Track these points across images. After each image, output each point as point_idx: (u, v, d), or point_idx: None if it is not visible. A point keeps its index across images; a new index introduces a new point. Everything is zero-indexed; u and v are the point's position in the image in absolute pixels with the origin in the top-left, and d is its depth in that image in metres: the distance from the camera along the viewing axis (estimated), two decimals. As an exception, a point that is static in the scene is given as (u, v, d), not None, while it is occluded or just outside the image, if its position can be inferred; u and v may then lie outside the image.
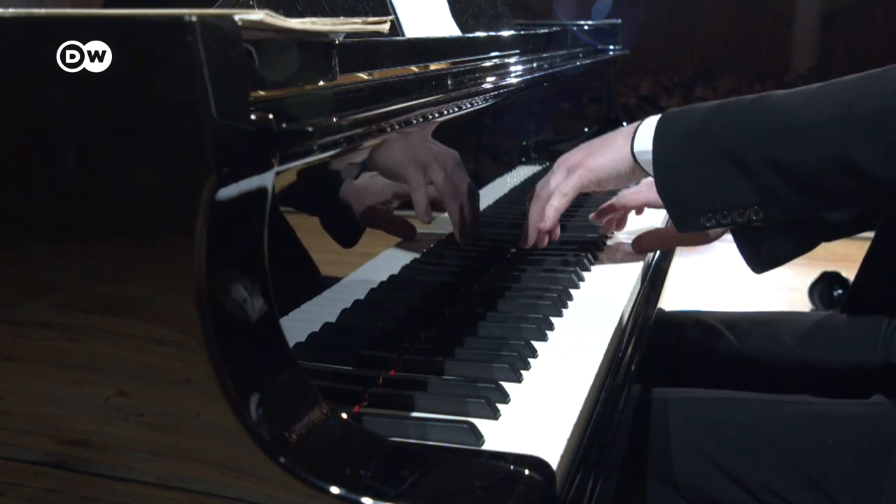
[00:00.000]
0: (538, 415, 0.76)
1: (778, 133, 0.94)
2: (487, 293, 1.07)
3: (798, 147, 0.93)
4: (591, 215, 1.35)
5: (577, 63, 1.69)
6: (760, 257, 1.07)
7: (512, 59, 1.38)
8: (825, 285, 3.26)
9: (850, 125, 0.90)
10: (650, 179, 1.28)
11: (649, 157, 1.03)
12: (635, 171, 1.09)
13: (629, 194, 1.30)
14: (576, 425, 0.75)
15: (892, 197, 0.97)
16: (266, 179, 0.62)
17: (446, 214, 1.13)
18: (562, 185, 1.12)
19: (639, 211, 1.38)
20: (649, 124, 1.05)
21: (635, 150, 1.07)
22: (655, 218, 1.47)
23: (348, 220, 0.90)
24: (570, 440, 0.72)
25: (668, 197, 1.03)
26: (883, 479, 0.96)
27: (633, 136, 1.07)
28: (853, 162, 0.89)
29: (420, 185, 0.98)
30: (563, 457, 0.70)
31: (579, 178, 1.11)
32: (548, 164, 1.63)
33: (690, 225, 1.01)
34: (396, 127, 0.81)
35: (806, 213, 1.03)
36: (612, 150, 1.10)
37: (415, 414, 0.76)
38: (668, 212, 1.04)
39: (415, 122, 0.85)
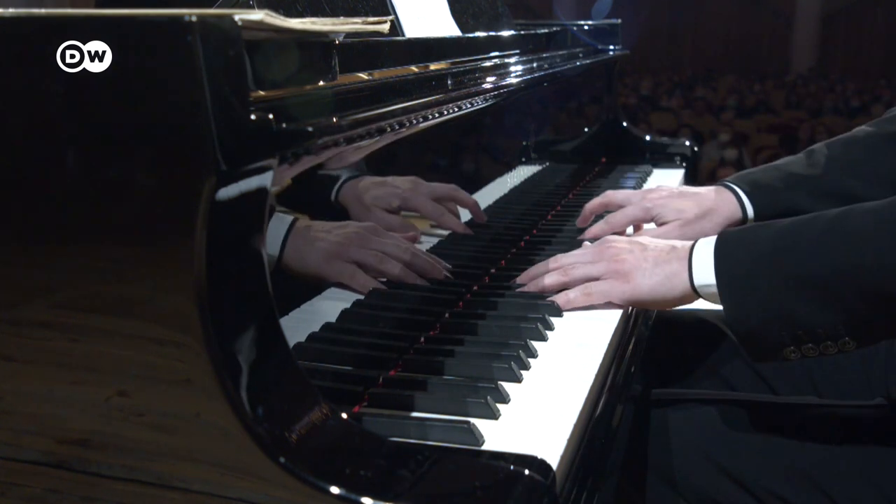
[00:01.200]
0: (538, 415, 0.76)
1: (872, 265, 0.85)
2: (487, 293, 1.07)
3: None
4: (581, 238, 1.27)
5: (577, 63, 1.69)
6: None
7: (512, 59, 1.38)
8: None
9: None
10: (639, 192, 1.28)
11: (714, 289, 0.94)
12: (687, 297, 0.99)
13: (615, 217, 1.24)
14: (576, 425, 0.75)
15: None
16: (266, 179, 0.62)
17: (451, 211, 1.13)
18: (595, 286, 1.01)
19: (636, 227, 1.32)
20: (705, 251, 0.95)
21: (696, 283, 0.96)
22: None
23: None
24: (570, 440, 0.72)
25: (744, 332, 0.92)
26: (884, 481, 0.96)
27: (689, 262, 0.97)
28: None
29: (353, 273, 0.92)
30: (563, 457, 0.70)
31: (613, 290, 1.00)
32: (548, 163, 1.63)
33: (771, 358, 0.93)
34: (396, 127, 0.81)
35: None
36: (664, 273, 0.98)
37: (415, 414, 0.76)
38: (743, 347, 0.94)
39: (415, 121, 0.85)
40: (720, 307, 0.94)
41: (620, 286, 1.00)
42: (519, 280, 1.08)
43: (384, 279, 0.97)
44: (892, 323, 0.89)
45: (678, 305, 1.02)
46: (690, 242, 0.99)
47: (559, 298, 1.01)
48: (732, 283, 0.92)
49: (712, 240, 0.96)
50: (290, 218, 0.83)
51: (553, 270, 1.04)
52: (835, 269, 0.87)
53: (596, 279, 1.02)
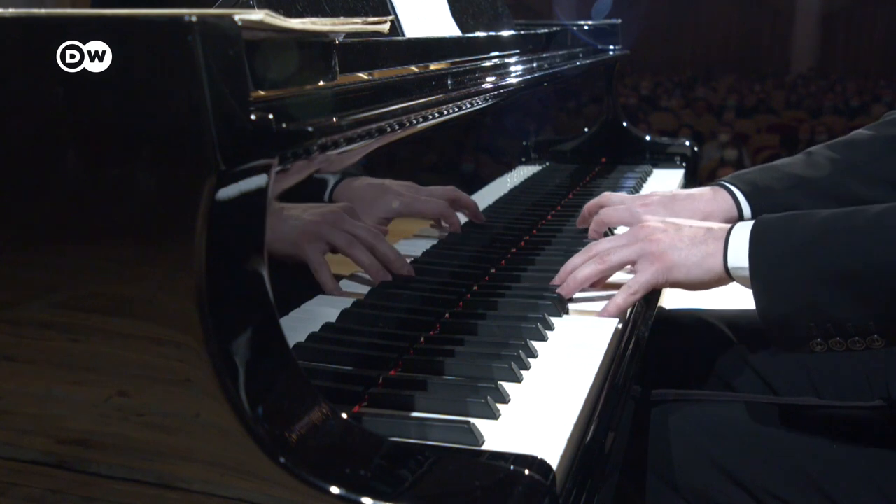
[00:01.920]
0: (538, 415, 0.76)
1: None
2: (487, 293, 1.07)
3: None
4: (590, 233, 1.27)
5: (577, 63, 1.69)
6: None
7: (512, 59, 1.38)
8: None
9: None
10: (634, 196, 1.27)
11: (746, 273, 0.94)
12: (721, 280, 0.99)
13: (605, 212, 1.24)
14: (576, 425, 0.75)
15: None
16: (266, 179, 0.62)
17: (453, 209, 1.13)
18: (635, 282, 1.00)
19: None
20: (742, 234, 0.95)
21: (730, 265, 0.96)
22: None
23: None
24: (570, 440, 0.72)
25: (772, 321, 0.92)
26: (885, 481, 0.96)
27: (725, 245, 0.97)
28: None
29: (319, 265, 0.89)
30: (563, 457, 0.70)
31: (654, 277, 0.99)
32: (548, 163, 1.63)
33: (796, 348, 0.92)
34: (396, 127, 0.81)
35: None
36: (701, 253, 0.98)
37: (415, 414, 0.76)
38: (770, 335, 0.94)
39: (415, 121, 0.85)
40: (726, 308, 0.93)
41: (659, 269, 0.99)
42: (555, 281, 1.07)
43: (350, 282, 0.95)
44: None
45: (713, 287, 1.01)
46: (728, 225, 0.99)
47: (610, 308, 1.00)
48: (765, 269, 0.92)
49: (750, 224, 0.96)
50: None
51: (589, 260, 1.04)
52: (871, 264, 0.86)
53: (633, 262, 1.02)
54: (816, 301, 0.88)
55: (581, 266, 1.04)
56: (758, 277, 0.92)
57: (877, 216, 0.89)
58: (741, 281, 0.97)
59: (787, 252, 0.91)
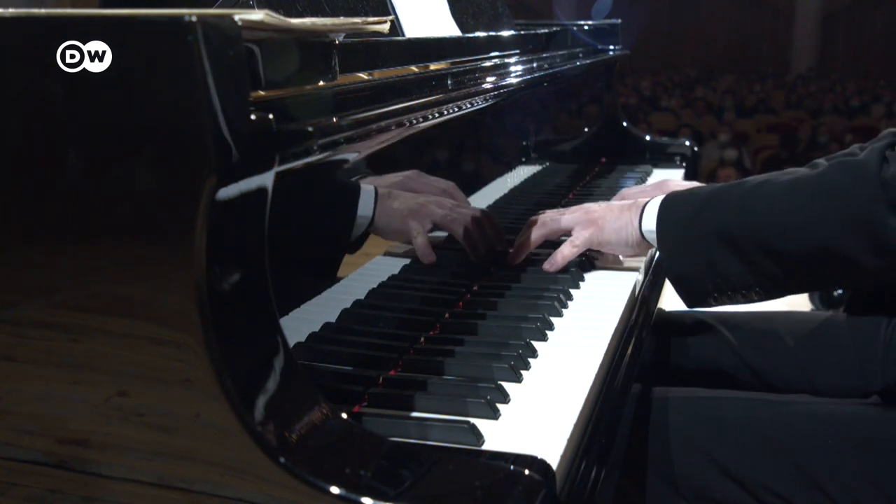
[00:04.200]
0: (538, 415, 0.76)
1: (770, 221, 0.98)
2: (487, 293, 1.07)
3: (788, 236, 0.96)
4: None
5: (577, 63, 1.69)
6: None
7: (512, 59, 1.38)
8: (825, 285, 3.25)
9: (833, 219, 0.93)
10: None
11: (655, 235, 1.08)
12: (641, 244, 1.13)
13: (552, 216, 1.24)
14: (576, 425, 0.75)
15: (880, 281, 1.03)
16: (266, 179, 0.62)
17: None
18: (575, 237, 1.17)
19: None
20: (654, 204, 1.09)
21: (643, 229, 1.11)
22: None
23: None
24: (570, 440, 0.72)
25: (673, 275, 1.06)
26: (881, 478, 0.96)
27: (641, 213, 1.11)
28: (839, 253, 0.93)
29: (417, 234, 1.02)
30: (563, 457, 0.70)
31: (590, 236, 1.16)
32: (548, 163, 1.63)
33: (699, 303, 1.05)
34: (396, 127, 0.81)
35: (804, 291, 1.05)
36: (624, 220, 1.14)
37: (415, 414, 0.76)
38: (676, 290, 1.07)
39: (415, 121, 0.85)
40: (724, 311, 0.96)
41: (593, 231, 1.15)
42: (510, 259, 1.19)
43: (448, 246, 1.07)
44: (791, 280, 1.00)
45: (636, 253, 1.17)
46: (649, 198, 1.13)
47: (556, 259, 1.15)
48: (668, 232, 1.06)
49: (662, 197, 1.11)
50: (371, 187, 0.93)
51: (536, 226, 1.19)
52: (746, 225, 0.99)
53: (572, 229, 1.17)
54: (707, 259, 1.01)
55: (529, 235, 1.18)
56: (662, 238, 1.07)
57: (753, 186, 1.02)
58: (653, 243, 1.10)
59: (683, 217, 1.05)
